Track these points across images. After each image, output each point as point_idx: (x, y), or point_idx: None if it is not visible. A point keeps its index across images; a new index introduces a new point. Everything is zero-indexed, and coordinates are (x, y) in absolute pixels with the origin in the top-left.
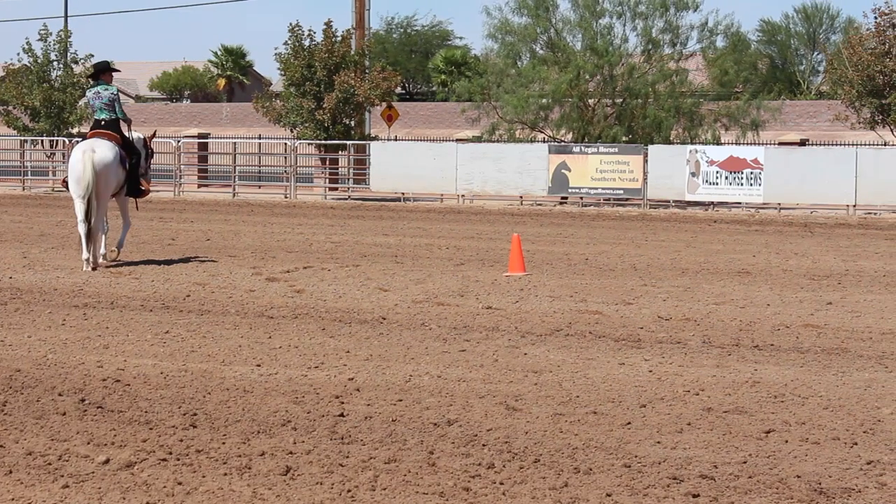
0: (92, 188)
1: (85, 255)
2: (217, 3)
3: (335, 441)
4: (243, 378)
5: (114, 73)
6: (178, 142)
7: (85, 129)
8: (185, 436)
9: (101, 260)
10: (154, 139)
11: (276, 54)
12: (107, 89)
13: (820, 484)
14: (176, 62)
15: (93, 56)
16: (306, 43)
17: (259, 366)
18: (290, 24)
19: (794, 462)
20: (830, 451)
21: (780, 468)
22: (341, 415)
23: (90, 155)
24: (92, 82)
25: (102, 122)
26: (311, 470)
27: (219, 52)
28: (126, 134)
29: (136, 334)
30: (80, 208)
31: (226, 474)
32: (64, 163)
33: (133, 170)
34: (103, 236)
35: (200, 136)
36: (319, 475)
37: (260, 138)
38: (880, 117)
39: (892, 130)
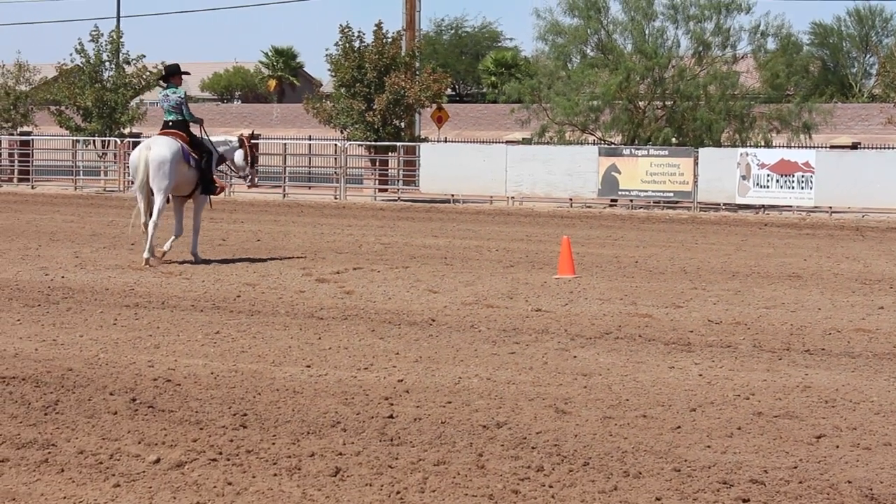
0: (145, 183)
1: (146, 254)
2: (268, 3)
3: (384, 442)
4: (293, 379)
5: (183, 76)
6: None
7: (136, 129)
8: (235, 436)
9: (153, 257)
10: (252, 139)
11: (326, 55)
12: (174, 92)
13: (871, 490)
14: (227, 63)
15: (144, 56)
16: (356, 44)
17: (309, 367)
18: (341, 25)
19: (846, 468)
20: (882, 456)
21: (831, 473)
22: (391, 416)
23: (146, 152)
24: (163, 84)
25: (170, 124)
26: (361, 471)
27: (269, 53)
28: (198, 134)
29: (187, 334)
30: (140, 204)
31: (275, 475)
32: (115, 163)
33: (205, 168)
34: (174, 236)
35: (251, 136)
36: (369, 476)
37: (310, 139)
38: None
39: None
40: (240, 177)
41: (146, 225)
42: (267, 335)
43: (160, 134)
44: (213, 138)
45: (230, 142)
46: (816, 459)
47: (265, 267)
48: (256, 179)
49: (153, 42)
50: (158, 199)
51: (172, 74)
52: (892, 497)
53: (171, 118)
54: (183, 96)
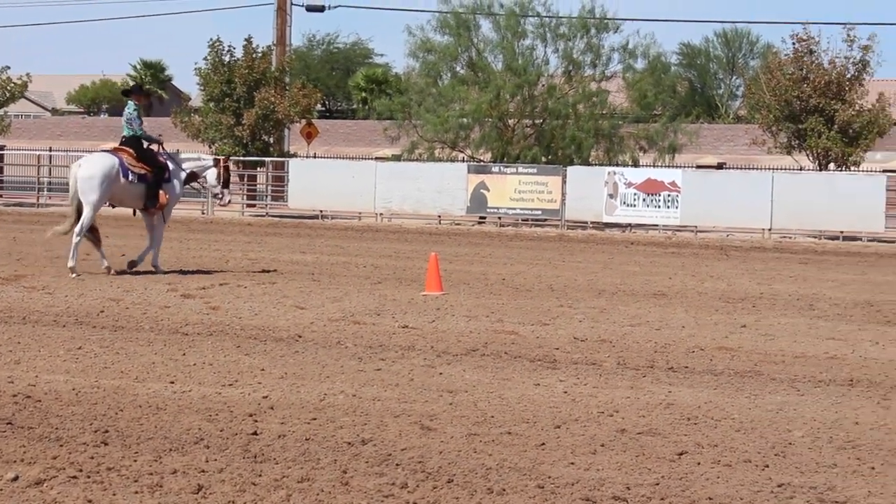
0: (74, 196)
1: (70, 263)
2: (137, 16)
3: (248, 460)
4: (156, 395)
5: (141, 95)
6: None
7: (1, 141)
8: (96, 453)
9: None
10: (227, 161)
11: (195, 69)
12: (128, 108)
13: None
14: (94, 75)
15: (9, 68)
16: (226, 58)
17: (173, 383)
18: (211, 39)
19: (706, 484)
20: (742, 473)
21: (692, 490)
22: (255, 433)
23: (76, 169)
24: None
25: (123, 139)
26: (224, 489)
27: (138, 66)
28: (158, 150)
29: (49, 350)
30: (72, 216)
31: (137, 492)
32: None
33: (152, 183)
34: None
35: (227, 159)
36: (231, 494)
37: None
38: (797, 142)
39: (808, 155)
40: (213, 195)
41: (73, 235)
42: (130, 351)
43: (111, 149)
44: (184, 155)
45: (203, 160)
46: (678, 476)
47: (130, 282)
48: (228, 199)
49: (18, 53)
50: (86, 212)
51: (131, 92)
52: None
53: (124, 133)
54: (133, 112)
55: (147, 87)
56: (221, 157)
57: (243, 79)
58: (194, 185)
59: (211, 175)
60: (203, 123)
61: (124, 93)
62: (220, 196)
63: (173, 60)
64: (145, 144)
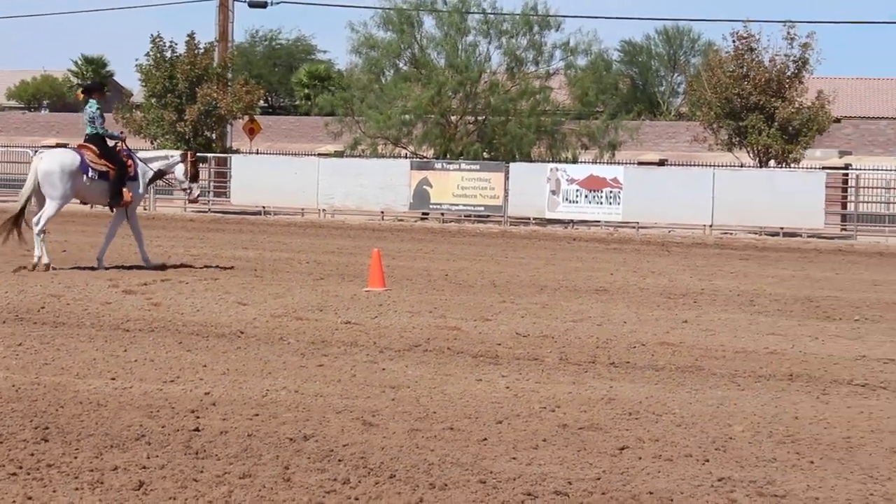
0: (33, 190)
1: (41, 257)
2: (78, 11)
3: (190, 456)
4: (97, 392)
5: (102, 92)
6: (36, 152)
7: None
8: (36, 450)
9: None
10: (192, 157)
11: (137, 65)
12: (90, 106)
13: (671, 500)
14: (34, 71)
15: None
16: (168, 54)
17: (114, 379)
18: (152, 34)
19: (647, 479)
20: (683, 468)
21: (633, 485)
22: (196, 429)
23: (36, 162)
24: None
25: (86, 137)
26: (165, 485)
27: (79, 62)
28: (122, 148)
29: None
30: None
31: (77, 489)
32: None
33: (115, 180)
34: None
35: (59, 145)
36: (173, 490)
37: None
38: (737, 139)
39: (748, 152)
40: (181, 190)
41: (34, 230)
42: (71, 347)
43: (76, 146)
44: (152, 153)
45: (171, 156)
46: (619, 471)
47: (71, 277)
48: (197, 193)
49: None
50: (48, 206)
51: (93, 90)
52: None
53: (87, 131)
54: (95, 111)
55: (88, 84)
56: (189, 152)
57: (185, 75)
58: (165, 181)
59: (179, 171)
60: (145, 119)
61: (85, 91)
62: (190, 191)
63: (115, 56)
64: (109, 142)
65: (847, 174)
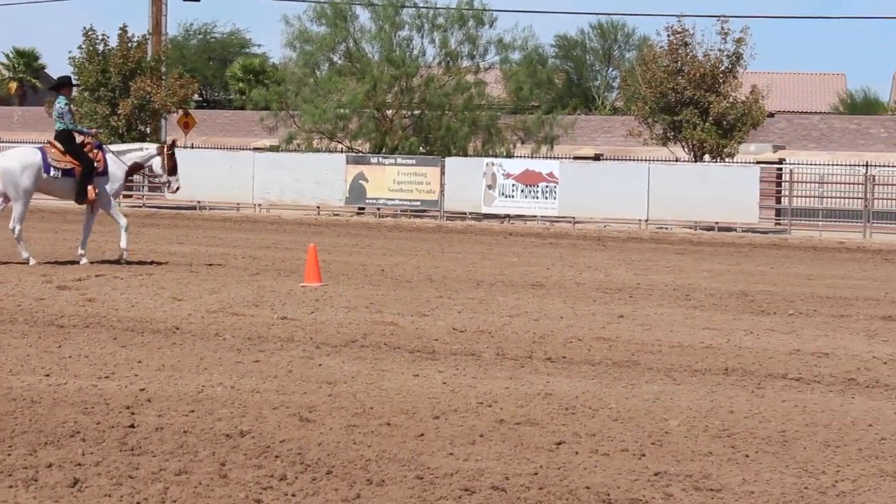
0: None
1: (24, 255)
2: (9, 3)
3: (125, 452)
4: (31, 388)
5: (71, 87)
6: None
7: None
8: None
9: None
10: (173, 147)
11: (69, 58)
12: (58, 102)
13: (609, 495)
14: None
15: None
16: (101, 47)
17: (48, 376)
18: (85, 27)
19: (584, 473)
20: (619, 462)
21: (570, 479)
22: (132, 426)
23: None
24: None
25: (55, 133)
26: (100, 482)
27: (10, 55)
28: (92, 143)
29: None
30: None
31: (11, 486)
32: None
33: (81, 177)
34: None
35: (172, 145)
36: (108, 487)
37: None
38: (672, 134)
39: (683, 147)
40: (160, 183)
41: (12, 229)
42: (4, 343)
43: (44, 143)
44: (125, 146)
45: (145, 149)
46: (556, 466)
47: (3, 273)
48: (177, 186)
49: None
50: (14, 209)
51: (62, 85)
52: (628, 502)
53: (56, 127)
54: (64, 106)
55: (57, 79)
56: (165, 145)
57: (118, 68)
58: (142, 174)
59: (156, 164)
60: (78, 113)
61: (53, 87)
62: (168, 184)
63: (46, 49)
64: (78, 138)
65: (781, 169)
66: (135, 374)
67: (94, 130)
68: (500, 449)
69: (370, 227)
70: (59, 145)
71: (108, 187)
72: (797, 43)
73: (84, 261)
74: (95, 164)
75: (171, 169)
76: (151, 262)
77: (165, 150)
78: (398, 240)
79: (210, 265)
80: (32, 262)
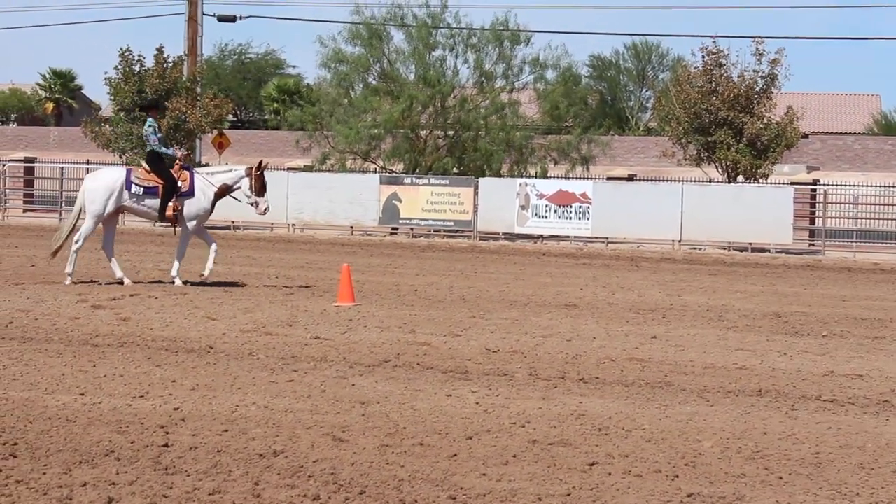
0: (78, 207)
1: (68, 269)
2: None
3: (159, 472)
4: (66, 407)
5: (160, 109)
6: (4, 165)
7: None
8: (4, 466)
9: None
10: (261, 168)
11: (105, 79)
12: (146, 124)
13: None
14: (3, 84)
15: None
16: (137, 68)
17: (83, 395)
18: (121, 48)
19: (617, 494)
20: (652, 483)
21: (603, 501)
22: (166, 445)
23: (86, 181)
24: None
25: (146, 154)
26: (134, 501)
27: (47, 75)
28: (181, 164)
29: None
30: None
31: None
32: None
33: (162, 197)
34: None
35: (27, 159)
36: None
37: (88, 163)
38: (706, 154)
39: (717, 167)
40: (249, 204)
41: (72, 243)
42: (40, 362)
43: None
44: (214, 168)
45: (234, 170)
46: (589, 487)
47: (39, 292)
48: (265, 206)
49: None
50: (86, 223)
51: (150, 107)
52: None
53: (147, 148)
54: (148, 129)
55: (144, 101)
56: (253, 167)
57: (154, 88)
58: (232, 196)
59: (245, 185)
60: (114, 133)
61: (142, 108)
62: (257, 205)
63: (83, 69)
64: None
65: (815, 190)
66: (169, 393)
67: (180, 152)
68: (532, 469)
69: (403, 248)
70: (145, 165)
71: (193, 208)
72: (832, 64)
73: (178, 282)
74: (180, 184)
75: (260, 190)
76: (186, 282)
77: (254, 171)
78: (431, 260)
79: (244, 285)
80: (70, 280)
